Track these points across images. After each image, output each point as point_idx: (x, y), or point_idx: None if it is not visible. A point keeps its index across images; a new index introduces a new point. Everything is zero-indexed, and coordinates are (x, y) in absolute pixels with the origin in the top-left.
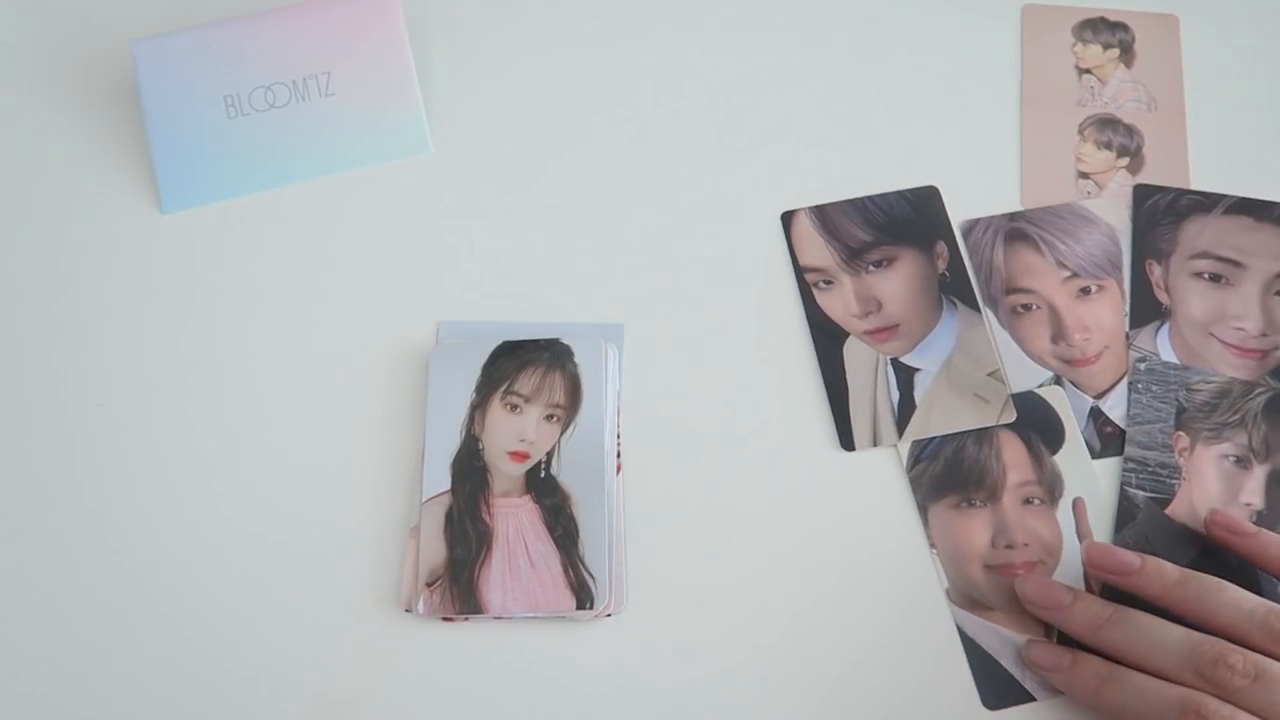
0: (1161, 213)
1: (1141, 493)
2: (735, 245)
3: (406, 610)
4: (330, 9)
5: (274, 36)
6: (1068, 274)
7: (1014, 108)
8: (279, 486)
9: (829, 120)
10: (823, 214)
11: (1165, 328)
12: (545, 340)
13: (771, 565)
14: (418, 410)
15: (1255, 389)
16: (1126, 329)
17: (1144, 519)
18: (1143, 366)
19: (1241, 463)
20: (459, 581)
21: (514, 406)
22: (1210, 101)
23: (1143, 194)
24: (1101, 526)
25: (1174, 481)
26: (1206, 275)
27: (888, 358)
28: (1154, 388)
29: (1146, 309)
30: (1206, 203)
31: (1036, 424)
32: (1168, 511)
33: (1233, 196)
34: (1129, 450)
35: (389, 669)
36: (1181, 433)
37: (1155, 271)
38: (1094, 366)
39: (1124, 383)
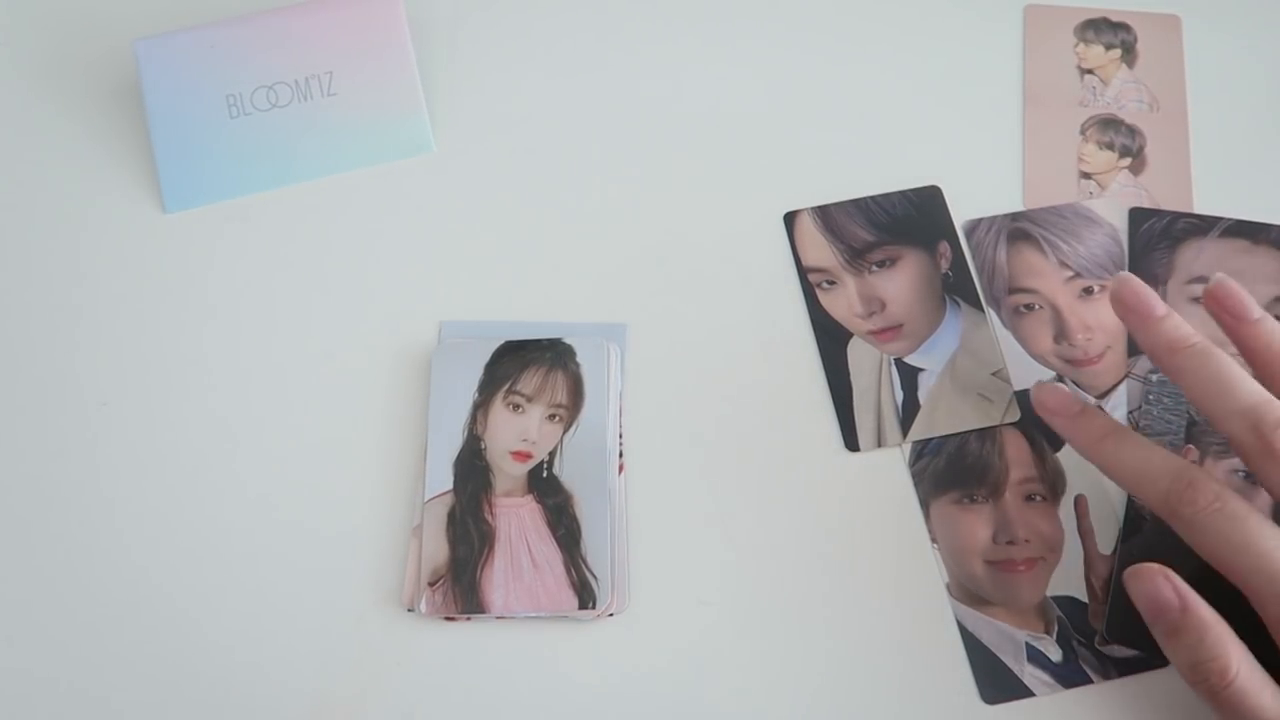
0: (1157, 237)
1: None
2: (738, 245)
3: (409, 610)
4: (333, 9)
5: (277, 36)
6: (1070, 274)
7: (1016, 108)
8: (280, 485)
9: (831, 121)
10: (825, 214)
11: None
12: (548, 340)
13: (774, 565)
14: (420, 410)
15: None
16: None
17: (1151, 531)
18: (1155, 378)
19: (1251, 478)
20: (461, 581)
21: (516, 406)
22: (1212, 102)
23: (1138, 218)
24: (1108, 535)
25: None
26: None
27: (891, 358)
28: (1165, 400)
29: None
30: (1202, 226)
31: (1040, 420)
32: None
33: (1228, 219)
34: None
35: (391, 669)
36: (1191, 446)
37: None
38: (1096, 367)
39: (1126, 383)
